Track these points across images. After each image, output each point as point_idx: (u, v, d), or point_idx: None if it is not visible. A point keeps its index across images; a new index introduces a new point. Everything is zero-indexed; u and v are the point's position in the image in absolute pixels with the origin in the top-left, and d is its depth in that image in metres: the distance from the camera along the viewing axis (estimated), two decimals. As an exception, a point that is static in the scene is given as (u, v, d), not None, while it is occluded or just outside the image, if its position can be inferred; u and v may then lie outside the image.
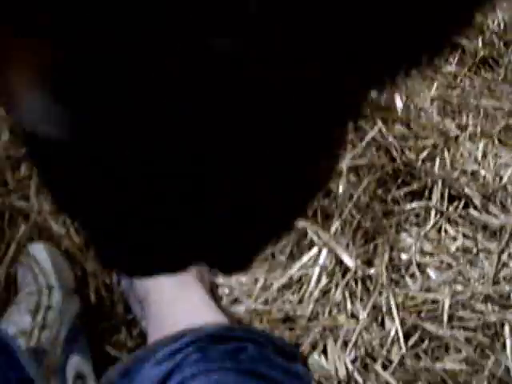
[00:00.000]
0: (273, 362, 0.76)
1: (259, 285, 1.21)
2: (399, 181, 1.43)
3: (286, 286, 1.21)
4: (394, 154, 1.43)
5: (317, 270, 1.21)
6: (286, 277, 1.21)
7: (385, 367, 1.09)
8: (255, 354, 0.75)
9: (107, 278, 1.11)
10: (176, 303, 0.93)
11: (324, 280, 1.20)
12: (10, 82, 0.24)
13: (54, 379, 0.95)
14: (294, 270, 1.22)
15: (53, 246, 1.08)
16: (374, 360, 1.10)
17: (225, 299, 1.18)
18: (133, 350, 1.04)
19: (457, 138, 1.53)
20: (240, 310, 1.15)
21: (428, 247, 1.33)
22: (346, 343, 1.12)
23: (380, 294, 1.18)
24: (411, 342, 1.14)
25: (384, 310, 1.16)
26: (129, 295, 1.06)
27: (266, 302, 1.18)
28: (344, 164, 1.37)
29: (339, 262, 1.23)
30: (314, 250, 1.22)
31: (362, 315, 1.15)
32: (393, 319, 1.15)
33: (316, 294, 1.18)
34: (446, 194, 1.42)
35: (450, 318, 1.20)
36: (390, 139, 1.43)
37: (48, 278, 1.02)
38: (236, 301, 1.19)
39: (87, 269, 1.10)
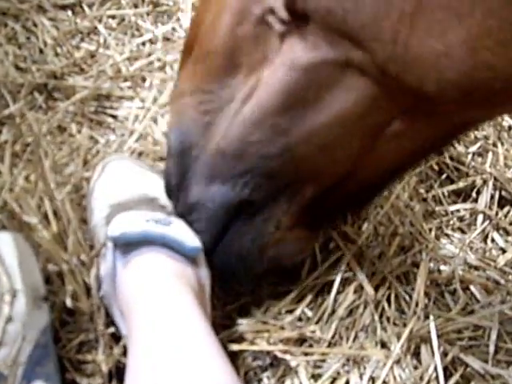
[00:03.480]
0: None
1: (269, 291, 1.00)
2: (443, 177, 1.22)
3: (304, 297, 0.99)
4: (441, 144, 1.21)
5: (339, 279, 1.00)
6: (302, 285, 1.00)
7: (420, 414, 0.89)
8: None
9: (87, 277, 0.90)
10: (160, 322, 0.77)
11: (351, 296, 0.99)
12: None
13: (10, 412, 0.76)
14: (313, 277, 1.02)
15: (23, 238, 0.87)
16: (408, 404, 0.90)
17: (226, 308, 0.97)
18: (111, 375, 0.84)
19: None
20: (243, 323, 0.94)
21: (472, 259, 1.12)
22: (373, 380, 0.92)
23: (418, 318, 0.98)
24: (451, 382, 0.93)
25: (421, 339, 0.96)
26: (110, 303, 0.86)
27: (277, 316, 0.97)
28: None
29: (370, 274, 1.02)
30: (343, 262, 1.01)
31: (395, 345, 0.94)
32: (432, 351, 0.95)
33: (340, 312, 0.98)
34: (497, 197, 1.21)
35: (497, 350, 1.00)
36: (437, 127, 1.20)
37: (12, 279, 0.81)
38: (241, 309, 0.98)
39: (63, 268, 0.89)
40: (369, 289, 0.99)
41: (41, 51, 1.31)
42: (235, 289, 0.97)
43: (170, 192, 0.90)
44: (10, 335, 0.78)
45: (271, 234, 0.87)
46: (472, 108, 0.75)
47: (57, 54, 1.31)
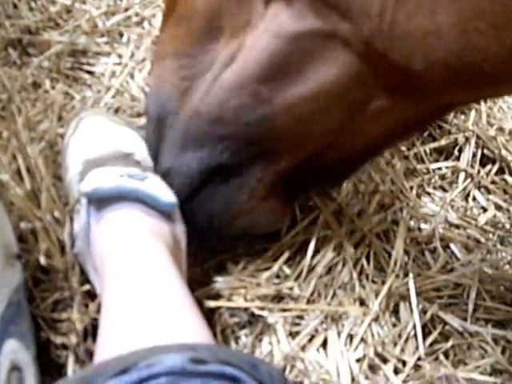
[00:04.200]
0: None
1: (247, 249, 0.99)
2: (425, 135, 1.21)
3: (282, 255, 0.98)
4: (423, 101, 1.20)
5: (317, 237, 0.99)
6: (281, 243, 0.99)
7: (397, 371, 0.89)
8: None
9: (61, 234, 0.88)
10: (133, 278, 0.75)
11: (330, 254, 0.98)
12: None
13: (-18, 370, 0.74)
14: (292, 235, 1.00)
15: (-6, 195, 0.85)
16: (385, 361, 0.89)
17: (203, 265, 0.96)
18: (86, 333, 0.83)
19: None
20: (220, 280, 0.93)
21: (453, 217, 1.12)
22: (351, 337, 0.91)
23: (397, 275, 0.97)
24: (430, 339, 0.93)
25: (400, 296, 0.95)
26: (85, 260, 0.84)
27: (254, 273, 0.96)
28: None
29: (350, 231, 1.02)
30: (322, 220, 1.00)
31: (373, 302, 0.94)
32: (411, 309, 0.94)
33: (319, 269, 0.97)
34: (479, 155, 1.21)
35: (476, 308, 1.00)
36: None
37: (-17, 237, 0.80)
38: (218, 267, 0.97)
39: (37, 225, 0.87)
40: (347, 246, 0.98)
41: (15, 6, 1.27)
42: (211, 246, 0.96)
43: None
44: (-19, 294, 0.76)
45: (244, 201, 0.87)
46: (458, 89, 0.73)
47: (31, 9, 1.27)
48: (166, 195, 0.83)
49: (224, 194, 0.86)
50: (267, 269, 0.95)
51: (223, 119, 0.80)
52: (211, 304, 0.88)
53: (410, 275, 0.96)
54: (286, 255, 0.96)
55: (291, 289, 0.93)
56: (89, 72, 1.18)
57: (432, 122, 0.89)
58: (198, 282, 0.91)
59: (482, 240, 1.10)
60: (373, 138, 0.83)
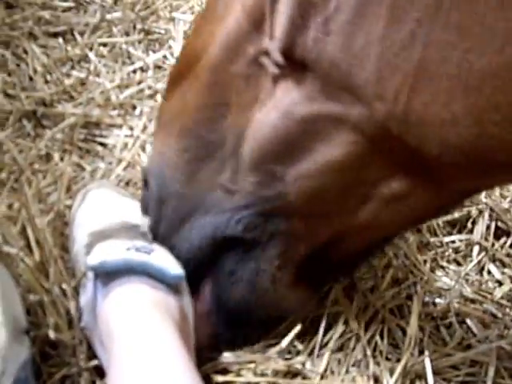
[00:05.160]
0: None
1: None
2: (438, 207, 1.19)
3: (292, 330, 0.95)
4: (435, 174, 1.19)
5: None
6: (292, 318, 0.97)
7: None
8: None
9: (69, 307, 0.87)
10: (139, 355, 0.73)
11: (342, 329, 0.96)
12: None
13: None
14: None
15: (4, 268, 0.84)
16: None
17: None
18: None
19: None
20: (229, 354, 0.90)
21: (468, 292, 1.09)
22: (366, 419, 0.88)
23: (412, 352, 0.94)
24: (448, 424, 0.90)
25: (416, 375, 0.93)
26: (91, 334, 0.83)
27: (264, 348, 0.93)
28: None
29: (363, 307, 0.99)
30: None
31: (388, 380, 0.91)
32: (427, 389, 0.91)
33: (331, 345, 0.94)
34: (493, 228, 1.19)
35: (494, 387, 0.97)
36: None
37: (-8, 311, 0.78)
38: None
39: (44, 298, 0.86)
40: (360, 322, 0.96)
41: (30, 78, 1.30)
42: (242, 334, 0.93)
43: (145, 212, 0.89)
44: (-12, 369, 0.75)
45: (267, 288, 0.85)
46: (474, 175, 0.72)
47: (46, 82, 1.29)
48: (173, 268, 0.82)
49: (245, 276, 0.84)
50: (277, 344, 0.93)
51: (240, 193, 0.79)
52: (220, 379, 0.86)
53: (426, 353, 0.93)
54: (296, 330, 0.94)
55: (303, 364, 0.90)
56: (101, 144, 1.19)
57: (449, 209, 0.88)
58: (207, 355, 0.89)
59: (499, 315, 1.07)
60: (388, 224, 0.82)
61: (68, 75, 1.31)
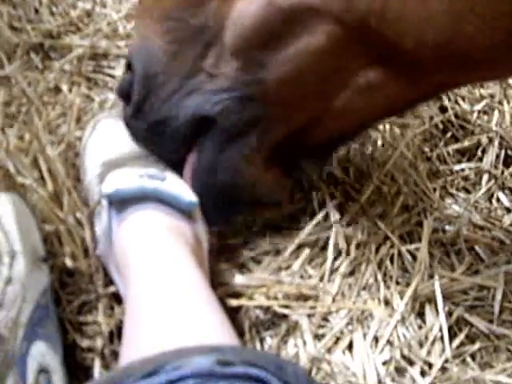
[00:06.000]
0: None
1: (270, 247, 0.99)
2: (448, 136, 1.20)
3: (304, 254, 0.97)
4: (445, 103, 1.19)
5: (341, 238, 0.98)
6: (302, 241, 0.98)
7: (423, 374, 0.88)
8: None
9: (84, 237, 0.88)
10: (156, 279, 0.75)
11: (352, 254, 0.98)
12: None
13: (10, 373, 0.74)
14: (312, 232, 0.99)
15: (20, 199, 0.85)
16: (411, 364, 0.88)
17: (226, 265, 0.95)
18: (112, 335, 0.83)
19: (518, 87, 1.28)
20: (242, 279, 0.92)
21: (477, 219, 1.11)
22: (376, 339, 0.90)
23: (422, 277, 0.96)
24: (456, 342, 0.92)
25: (426, 298, 0.94)
26: (107, 261, 0.84)
27: (276, 272, 0.95)
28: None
29: (373, 232, 1.01)
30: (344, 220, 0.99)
31: (398, 304, 0.93)
32: (436, 311, 0.93)
33: (342, 269, 0.96)
34: (503, 156, 1.19)
35: (502, 310, 0.99)
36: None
37: (11, 240, 0.80)
38: (241, 267, 0.96)
39: (60, 228, 0.87)
40: (371, 247, 0.97)
41: (36, 11, 1.28)
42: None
43: (124, 99, 0.89)
44: (9, 297, 0.76)
45: (246, 170, 0.87)
46: (448, 71, 0.75)
47: (52, 14, 1.28)
48: (187, 194, 0.82)
49: (223, 157, 0.86)
50: (289, 267, 0.95)
51: (220, 75, 0.81)
52: (233, 303, 0.88)
53: (436, 277, 0.95)
54: (308, 256, 0.95)
55: (314, 287, 0.92)
56: (109, 75, 1.19)
57: (423, 101, 0.91)
58: (219, 280, 0.91)
59: (507, 241, 1.08)
60: (363, 113, 0.85)
61: (74, 7, 1.29)
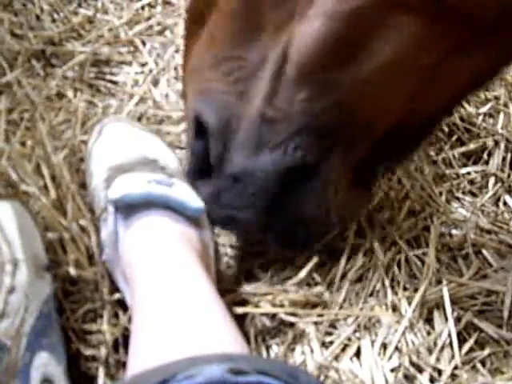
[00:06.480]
0: None
1: (275, 257, 0.97)
2: (454, 139, 1.19)
3: (311, 262, 0.96)
4: (451, 105, 1.18)
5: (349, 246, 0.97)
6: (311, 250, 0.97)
7: (433, 381, 0.87)
8: None
9: (88, 243, 0.87)
10: (163, 286, 0.74)
11: (360, 260, 0.96)
12: None
13: (13, 383, 0.73)
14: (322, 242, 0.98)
15: (22, 207, 0.84)
16: (420, 370, 0.87)
17: (231, 271, 0.94)
18: (117, 344, 0.82)
19: (523, 89, 1.27)
20: (248, 287, 0.91)
21: (484, 223, 1.09)
22: (385, 346, 0.89)
23: (429, 282, 0.95)
24: (465, 347, 0.91)
25: (434, 304, 0.93)
26: (113, 268, 0.83)
27: (283, 280, 0.94)
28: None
29: (380, 238, 1.00)
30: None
31: (406, 310, 0.92)
32: (445, 317, 0.92)
33: (350, 276, 0.95)
34: (509, 158, 1.18)
35: (511, 315, 0.97)
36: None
37: (13, 248, 0.79)
38: (248, 274, 0.95)
39: (64, 235, 0.86)
40: (378, 253, 0.96)
41: (37, 17, 1.27)
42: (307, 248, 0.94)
43: (199, 173, 0.83)
44: (12, 306, 0.75)
45: (332, 198, 0.81)
46: None
47: (54, 20, 1.27)
48: (194, 201, 0.81)
49: (312, 196, 0.80)
50: (296, 275, 0.93)
51: (291, 115, 0.74)
52: (239, 310, 0.86)
53: (444, 282, 0.94)
54: (316, 262, 0.94)
55: (321, 295, 0.91)
56: (112, 81, 1.18)
57: (502, 72, 0.83)
58: (225, 288, 0.90)
59: (516, 245, 1.08)
60: (442, 102, 0.79)
61: (75, 13, 1.28)
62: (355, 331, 0.89)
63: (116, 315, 0.85)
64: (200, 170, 0.82)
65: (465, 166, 1.17)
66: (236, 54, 0.75)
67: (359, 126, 0.76)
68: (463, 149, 1.18)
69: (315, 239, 0.91)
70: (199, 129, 0.80)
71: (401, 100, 0.74)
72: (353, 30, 0.67)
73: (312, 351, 0.86)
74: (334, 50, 0.69)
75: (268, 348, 0.87)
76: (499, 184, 1.15)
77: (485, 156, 1.18)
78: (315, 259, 0.94)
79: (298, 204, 0.81)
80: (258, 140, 0.76)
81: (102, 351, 0.82)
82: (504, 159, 1.17)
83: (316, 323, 0.89)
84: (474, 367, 0.89)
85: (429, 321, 0.93)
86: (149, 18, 1.28)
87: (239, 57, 0.75)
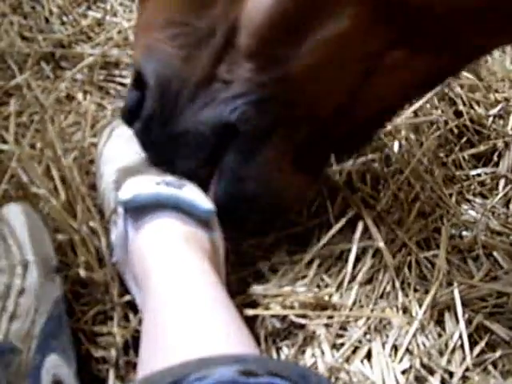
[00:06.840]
0: None
1: (286, 258, 0.97)
2: (463, 141, 1.18)
3: (321, 264, 0.96)
4: (460, 107, 1.17)
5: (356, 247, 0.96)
6: (318, 251, 0.97)
7: (444, 382, 0.86)
8: None
9: (98, 245, 0.87)
10: (174, 289, 0.73)
11: (368, 261, 0.96)
12: None
13: (24, 385, 0.73)
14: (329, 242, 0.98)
15: (32, 209, 0.84)
16: (431, 372, 0.87)
17: (242, 274, 0.94)
18: (127, 346, 0.82)
19: (533, 90, 1.27)
20: (258, 288, 0.91)
21: (495, 224, 1.09)
22: (395, 348, 0.89)
23: (440, 284, 0.94)
24: (477, 349, 0.90)
25: (445, 306, 0.93)
26: (123, 270, 0.83)
27: (293, 282, 0.93)
28: (401, 119, 1.11)
29: (390, 240, 0.99)
30: (359, 226, 0.97)
31: (417, 311, 0.91)
32: (456, 319, 0.91)
33: (360, 278, 0.94)
34: (519, 160, 1.17)
35: (522, 317, 0.97)
36: (457, 90, 1.17)
37: (23, 251, 0.79)
38: (257, 275, 0.95)
39: (74, 237, 0.86)
40: (388, 255, 0.96)
41: (47, 20, 1.28)
42: (249, 253, 0.94)
43: (130, 118, 0.86)
44: (23, 308, 0.75)
45: (272, 176, 0.83)
46: (477, 33, 0.71)
47: (63, 23, 1.28)
48: (204, 202, 0.81)
49: (253, 170, 0.82)
50: (305, 277, 0.93)
51: (234, 81, 0.77)
52: (249, 312, 0.86)
53: (455, 284, 0.94)
54: (325, 265, 0.94)
55: (331, 296, 0.91)
56: (121, 84, 1.18)
57: (449, 75, 0.87)
58: (236, 290, 0.90)
59: (526, 247, 1.07)
60: (389, 95, 0.80)
61: (85, 16, 1.29)
62: (366, 333, 0.89)
63: (126, 317, 0.85)
64: (129, 118, 0.86)
65: (475, 167, 1.17)
66: (184, 20, 0.78)
67: (301, 107, 0.78)
68: (473, 150, 1.17)
69: (267, 221, 0.91)
70: (138, 81, 0.83)
71: (344, 85, 0.76)
72: (301, 8, 0.70)
73: (323, 353, 0.86)
74: (282, 26, 0.72)
75: (278, 350, 0.87)
76: (509, 186, 1.14)
77: (495, 158, 1.17)
78: (323, 260, 0.94)
79: (239, 164, 0.82)
80: (198, 100, 0.79)
81: (112, 353, 0.81)
82: (514, 161, 1.17)
83: (326, 325, 0.89)
84: (485, 369, 0.89)
85: (440, 323, 0.92)
86: (157, 21, 1.28)
87: (187, 23, 0.78)
